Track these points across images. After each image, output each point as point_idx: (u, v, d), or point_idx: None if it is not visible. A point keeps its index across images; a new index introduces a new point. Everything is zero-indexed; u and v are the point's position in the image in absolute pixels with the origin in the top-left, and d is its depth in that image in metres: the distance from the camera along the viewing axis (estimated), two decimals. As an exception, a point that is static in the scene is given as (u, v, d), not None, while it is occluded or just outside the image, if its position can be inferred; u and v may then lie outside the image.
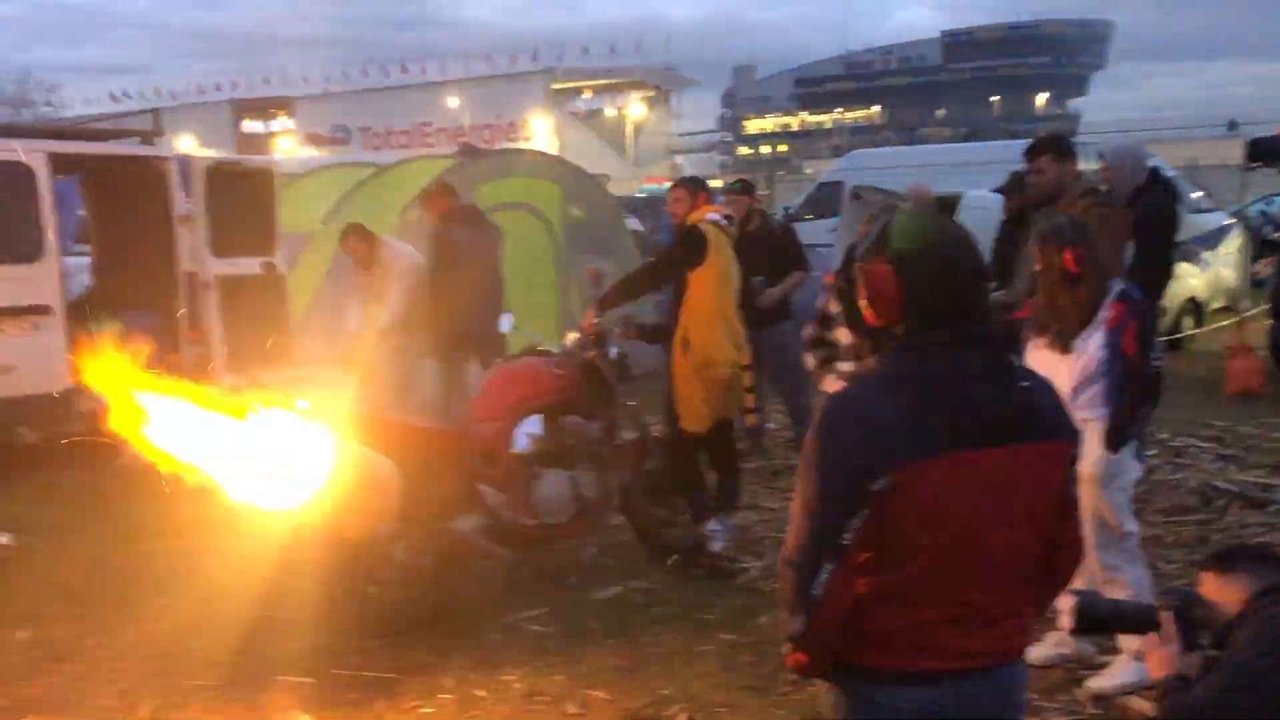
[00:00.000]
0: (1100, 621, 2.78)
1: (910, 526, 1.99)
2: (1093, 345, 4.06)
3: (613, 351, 5.71)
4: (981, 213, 12.43)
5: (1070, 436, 2.15)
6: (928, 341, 2.03)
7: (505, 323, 6.02)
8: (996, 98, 78.62)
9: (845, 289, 2.26)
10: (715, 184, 6.91)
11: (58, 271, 7.76)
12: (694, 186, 5.73)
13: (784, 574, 2.07)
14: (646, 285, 5.88)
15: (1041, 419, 2.08)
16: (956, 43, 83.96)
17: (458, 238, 7.60)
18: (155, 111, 9.24)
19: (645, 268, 5.95)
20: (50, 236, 7.69)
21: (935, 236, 2.09)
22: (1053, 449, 2.10)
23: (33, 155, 7.66)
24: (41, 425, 7.63)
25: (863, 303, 2.11)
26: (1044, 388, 2.16)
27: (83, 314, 8.40)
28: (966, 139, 22.69)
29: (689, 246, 5.47)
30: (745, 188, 7.44)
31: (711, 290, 5.48)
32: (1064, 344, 4.10)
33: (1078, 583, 3.58)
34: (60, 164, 8.02)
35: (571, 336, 5.72)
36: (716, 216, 5.53)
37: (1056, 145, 5.44)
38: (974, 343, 2.04)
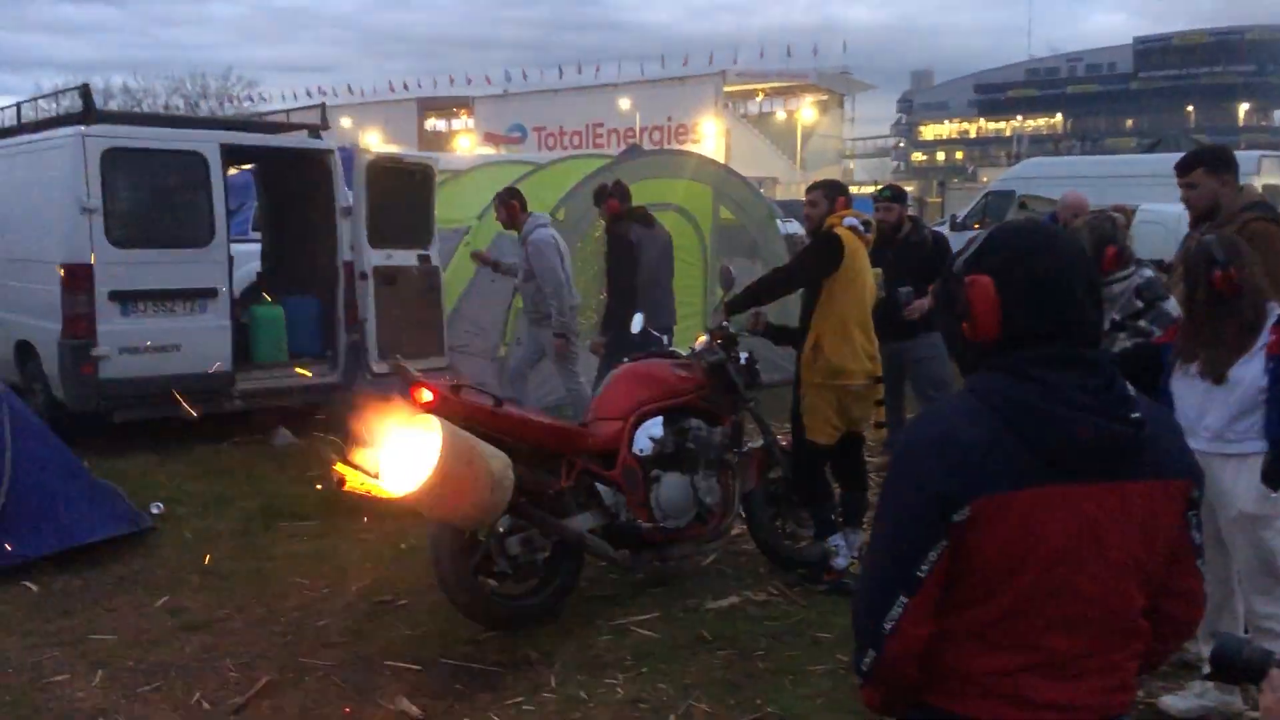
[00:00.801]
0: (1242, 668, 2.48)
1: (993, 563, 1.82)
2: (1251, 374, 3.73)
3: (742, 356, 5.60)
4: (1157, 227, 11.76)
5: (1190, 476, 1.92)
6: (1026, 360, 1.85)
7: (636, 323, 5.96)
8: (1191, 108, 74.43)
9: (944, 302, 2.04)
10: (869, 190, 6.67)
11: (226, 256, 8.15)
12: (831, 190, 5.55)
13: (856, 604, 1.94)
14: (779, 290, 5.73)
15: (1155, 455, 1.86)
16: (1150, 49, 79.71)
17: (635, 237, 7.65)
18: (323, 106, 9.62)
19: (778, 272, 5.80)
20: (220, 223, 8.10)
21: (1042, 248, 1.90)
22: (1166, 489, 1.88)
23: (207, 146, 8.08)
24: (203, 402, 8.02)
25: (962, 319, 1.93)
26: (1161, 420, 1.93)
27: (249, 299, 8.85)
28: (1150, 150, 21.40)
29: (824, 252, 5.30)
30: (897, 195, 7.19)
31: (845, 298, 5.30)
32: (1216, 373, 3.78)
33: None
34: (232, 155, 8.43)
35: (700, 339, 5.63)
36: (854, 222, 5.34)
37: (1211, 158, 5.02)
38: (1079, 365, 1.84)
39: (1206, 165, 4.99)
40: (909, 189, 6.49)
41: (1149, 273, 4.74)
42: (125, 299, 7.74)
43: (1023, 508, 1.79)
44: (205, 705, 4.16)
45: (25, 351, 8.22)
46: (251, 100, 53.53)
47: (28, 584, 5.30)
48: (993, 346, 1.90)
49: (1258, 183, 14.03)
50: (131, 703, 4.17)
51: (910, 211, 7.38)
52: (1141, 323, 4.58)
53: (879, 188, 7.19)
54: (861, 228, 5.36)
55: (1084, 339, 1.88)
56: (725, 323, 5.50)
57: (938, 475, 1.81)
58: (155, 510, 6.29)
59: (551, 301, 7.66)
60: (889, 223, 6.98)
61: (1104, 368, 1.88)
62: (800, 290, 5.52)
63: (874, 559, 1.92)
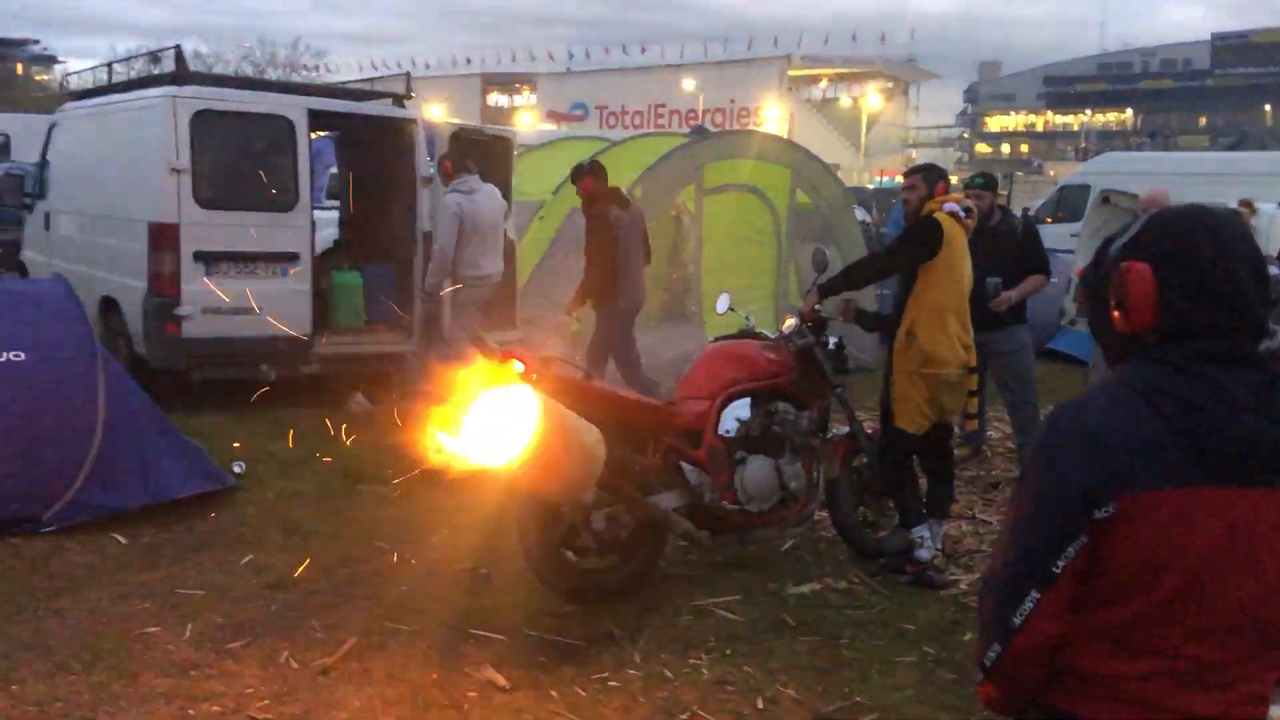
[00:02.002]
0: None
1: (1133, 563, 1.73)
2: None
3: (831, 340, 5.52)
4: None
5: None
6: (1184, 354, 1.74)
7: (722, 303, 5.89)
8: (1269, 107, 72.53)
9: (1094, 288, 1.92)
10: (953, 179, 6.59)
11: (309, 222, 8.21)
12: (932, 175, 5.44)
13: (985, 596, 1.86)
14: (874, 274, 5.65)
15: None
16: (1228, 45, 77.70)
17: (615, 217, 7.71)
18: (408, 75, 9.64)
19: (874, 256, 5.72)
20: (305, 188, 8.15)
21: (1206, 234, 1.78)
22: None
23: (294, 110, 8.12)
24: (282, 365, 8.10)
25: (1113, 305, 1.83)
26: None
27: (327, 264, 8.90)
28: (1232, 149, 20.88)
29: (922, 237, 5.20)
30: (989, 183, 7.05)
31: (942, 285, 5.20)
32: None
33: None
34: (318, 121, 8.48)
35: (790, 322, 5.56)
36: (955, 208, 5.23)
37: None
38: (1243, 363, 1.74)
39: None
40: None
41: (1275, 270, 4.57)
42: (209, 260, 7.83)
43: (1172, 508, 1.70)
44: (294, 664, 4.19)
45: (109, 307, 8.35)
46: (318, 70, 54.05)
47: (116, 535, 5.38)
48: (1146, 337, 1.80)
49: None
50: (222, 659, 4.21)
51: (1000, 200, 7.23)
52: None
53: (972, 176, 7.05)
54: (962, 213, 5.25)
55: (1248, 333, 1.76)
56: (818, 306, 5.41)
57: (1083, 467, 1.72)
58: (237, 469, 6.35)
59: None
60: (979, 211, 6.84)
61: (1267, 366, 1.76)
62: (896, 276, 5.43)
63: (1007, 550, 1.82)
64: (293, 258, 8.19)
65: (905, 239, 5.40)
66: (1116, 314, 1.83)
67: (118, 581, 4.89)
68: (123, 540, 5.35)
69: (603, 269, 7.72)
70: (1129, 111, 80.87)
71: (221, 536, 5.52)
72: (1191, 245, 1.77)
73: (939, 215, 5.20)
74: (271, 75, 46.90)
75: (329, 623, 4.56)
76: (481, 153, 9.02)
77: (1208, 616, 1.74)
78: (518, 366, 4.50)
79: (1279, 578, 1.75)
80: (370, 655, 4.28)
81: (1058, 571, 1.74)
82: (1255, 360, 1.75)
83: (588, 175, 7.91)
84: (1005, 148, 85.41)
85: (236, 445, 6.70)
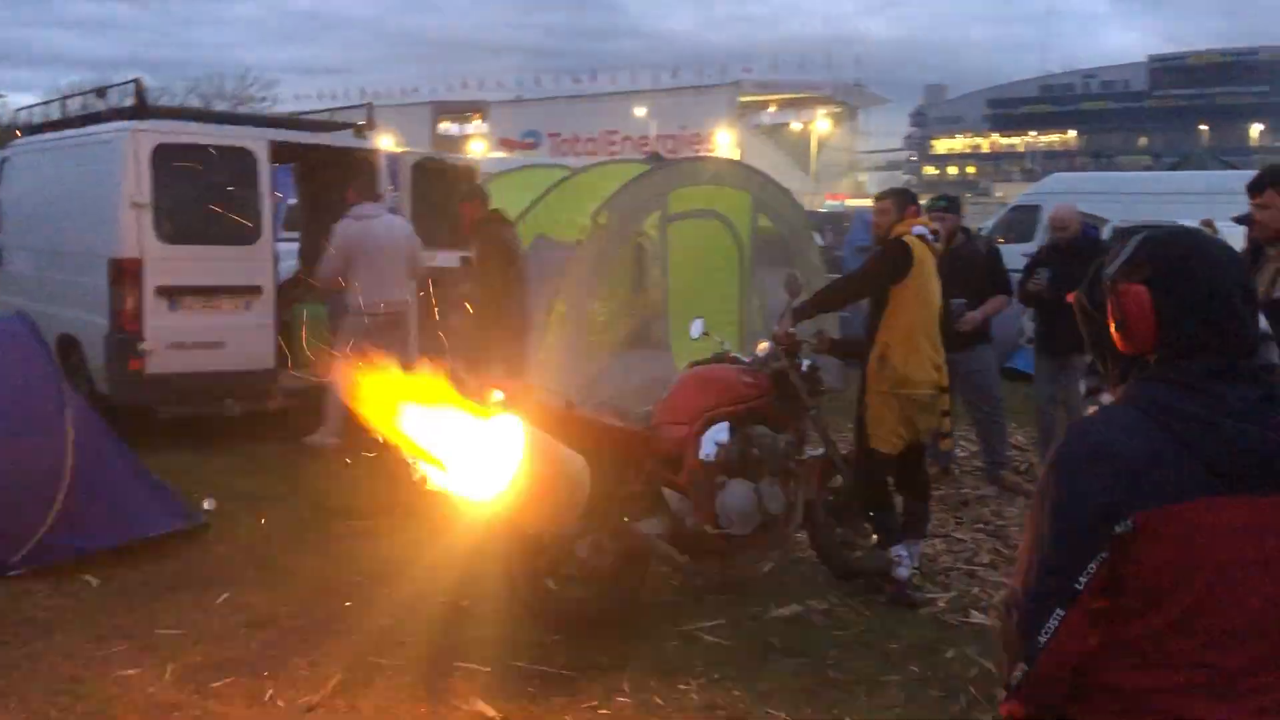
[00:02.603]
0: None
1: (1154, 576, 1.78)
2: None
3: (804, 363, 5.58)
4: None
5: None
6: (1187, 371, 1.82)
7: (696, 328, 5.93)
8: (1205, 127, 74.38)
9: (1090, 312, 1.98)
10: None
11: (272, 254, 8.15)
12: (902, 198, 5.53)
13: (1008, 616, 1.89)
14: (846, 297, 5.71)
15: None
16: (1165, 68, 79.72)
17: (508, 237, 7.84)
18: (369, 106, 9.63)
19: (847, 279, 5.79)
20: (267, 221, 8.10)
21: (1198, 256, 1.86)
22: None
23: (255, 142, 8.08)
24: (247, 399, 8.02)
25: (1112, 327, 1.90)
26: None
27: (288, 297, 8.83)
28: (1174, 168, 21.38)
29: (893, 260, 5.28)
30: (952, 205, 7.18)
31: (913, 307, 5.28)
32: None
33: None
34: (279, 152, 8.44)
35: (763, 346, 5.60)
36: (923, 230, 5.32)
37: (1278, 178, 4.99)
38: (1241, 377, 1.81)
39: (1276, 186, 4.96)
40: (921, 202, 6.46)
41: None
42: (173, 294, 7.75)
43: (1188, 520, 1.75)
44: (279, 702, 4.14)
45: (67, 345, 8.21)
46: (266, 100, 53.72)
47: (88, 578, 5.28)
48: (1147, 356, 1.87)
49: None
50: (205, 698, 4.15)
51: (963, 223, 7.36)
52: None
53: (934, 198, 7.17)
54: (930, 237, 5.34)
55: (1242, 349, 1.83)
56: (792, 329, 5.46)
57: (1098, 487, 1.78)
58: (208, 506, 6.26)
59: None
60: (943, 233, 6.95)
61: (1263, 379, 1.83)
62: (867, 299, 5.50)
63: (1028, 570, 1.86)
64: (256, 290, 8.12)
65: (876, 261, 5.47)
66: (1116, 335, 1.89)
67: (92, 624, 4.80)
68: (94, 582, 5.25)
69: (504, 284, 7.72)
70: (1072, 132, 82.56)
71: (196, 575, 5.44)
72: (1185, 267, 1.84)
73: (908, 238, 5.28)
74: (219, 107, 46.61)
75: (312, 659, 4.51)
76: (445, 182, 9.04)
77: (1227, 624, 1.79)
78: (498, 396, 4.51)
79: None
80: (357, 691, 4.23)
81: (1080, 588, 1.78)
82: (1253, 375, 1.82)
83: (466, 202, 7.98)
84: (952, 170, 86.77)
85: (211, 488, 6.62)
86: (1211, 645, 1.79)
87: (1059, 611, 1.79)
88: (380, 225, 8.05)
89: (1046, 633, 1.80)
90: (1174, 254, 1.87)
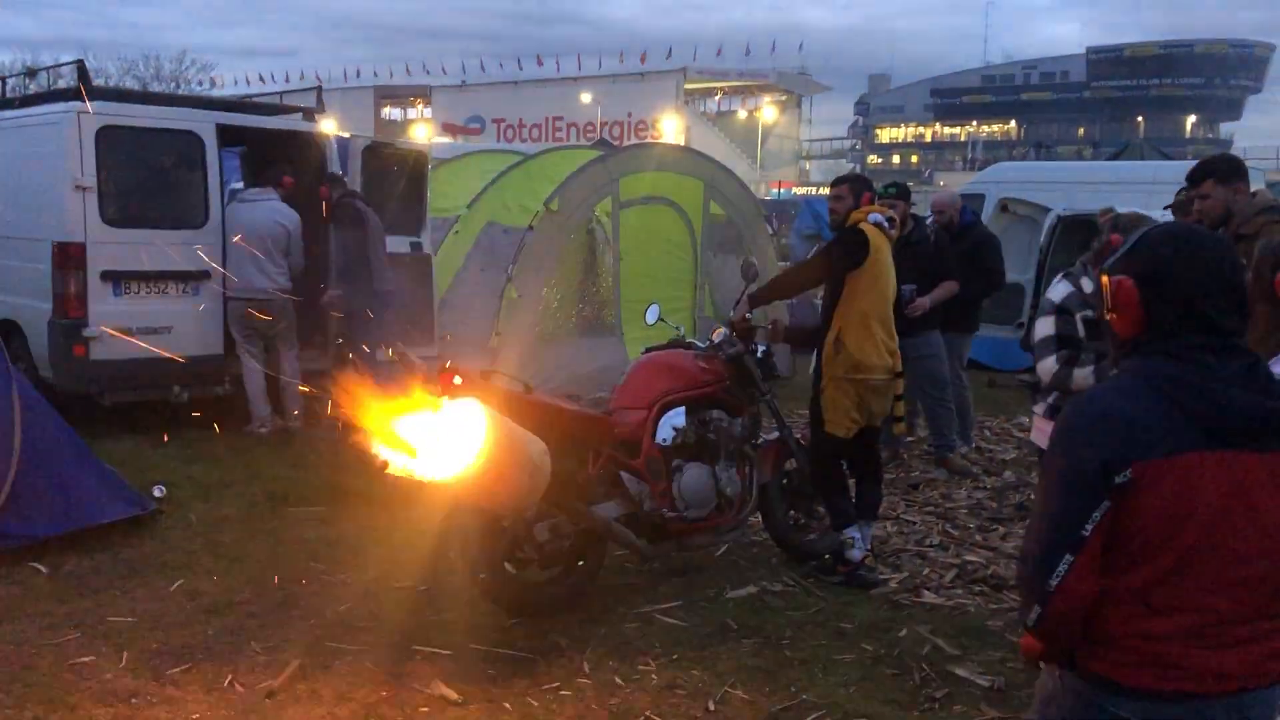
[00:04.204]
0: None
1: (1152, 524, 1.99)
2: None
3: (759, 348, 5.64)
4: (1136, 232, 12.01)
5: None
6: (1179, 345, 2.04)
7: (652, 314, 5.97)
8: (1141, 118, 75.91)
9: (1099, 300, 2.31)
10: (825, 191, 6.86)
11: (219, 239, 8.03)
12: (857, 185, 5.61)
13: (1022, 565, 2.11)
14: (802, 284, 5.79)
15: None
16: (1102, 60, 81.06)
17: (362, 209, 7.98)
18: (319, 89, 9.52)
19: (801, 266, 5.86)
20: (214, 205, 7.99)
21: (1183, 252, 2.09)
22: None
23: (203, 125, 7.96)
24: (195, 385, 7.92)
25: (1110, 314, 2.14)
26: None
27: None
28: (1115, 158, 21.77)
29: (849, 247, 5.35)
30: (902, 191, 7.27)
31: (868, 293, 5.36)
32: None
33: None
34: (227, 135, 8.31)
35: (719, 331, 5.65)
36: (879, 218, 5.40)
37: (1222, 168, 5.13)
38: (1226, 351, 2.04)
39: (1217, 176, 5.08)
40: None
41: None
42: (117, 279, 7.62)
43: (1180, 472, 1.97)
44: (239, 687, 4.11)
45: (9, 330, 8.03)
46: (201, 85, 52.80)
47: (36, 566, 5.19)
48: (1142, 338, 2.10)
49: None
50: (163, 685, 4.11)
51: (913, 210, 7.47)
52: None
53: (885, 185, 7.26)
54: (886, 224, 5.42)
55: (1224, 331, 2.05)
56: (748, 315, 5.52)
57: (1099, 442, 1.99)
58: (158, 493, 6.18)
59: None
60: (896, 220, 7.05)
61: (1249, 354, 2.06)
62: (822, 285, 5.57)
63: (1040, 524, 2.07)
64: (204, 275, 8.01)
65: (833, 248, 5.54)
66: (1111, 319, 2.15)
67: (43, 612, 4.72)
68: (44, 570, 5.17)
69: (357, 256, 7.85)
70: (1013, 123, 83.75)
71: (148, 562, 5.37)
72: (1169, 262, 2.09)
73: (864, 226, 5.35)
74: (156, 89, 45.69)
75: (270, 645, 4.48)
76: (396, 168, 8.98)
77: (1222, 568, 1.99)
78: (458, 380, 4.51)
79: (1273, 532, 2.02)
80: (316, 676, 4.22)
81: (1086, 535, 1.99)
82: (1239, 348, 2.06)
83: (324, 184, 8.18)
84: (896, 158, 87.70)
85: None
86: (1208, 589, 1.99)
87: (1068, 557, 2.00)
88: (258, 210, 8.00)
89: (1058, 577, 2.01)
90: (1161, 253, 2.10)
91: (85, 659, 4.29)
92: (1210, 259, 2.08)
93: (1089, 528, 1.99)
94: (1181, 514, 1.97)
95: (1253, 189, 5.34)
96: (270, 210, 8.03)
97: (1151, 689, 2.02)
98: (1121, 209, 11.88)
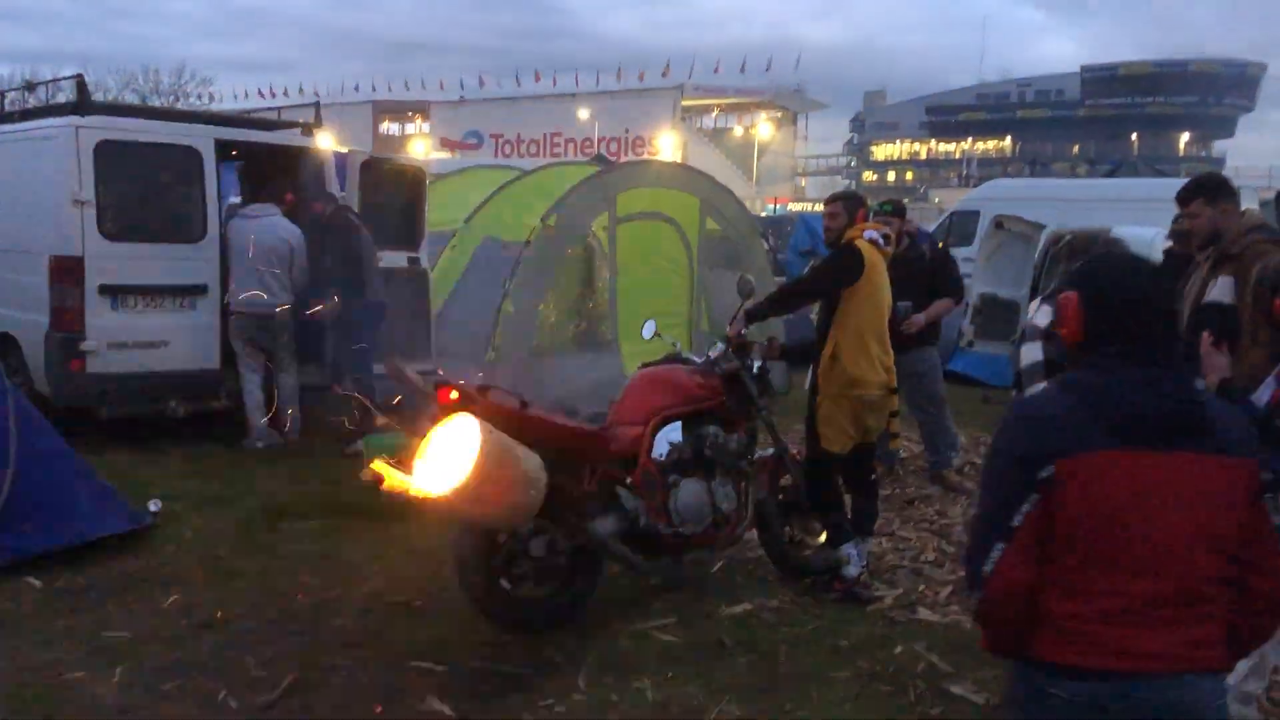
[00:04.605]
0: None
1: (1072, 515, 2.20)
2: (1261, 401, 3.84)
3: (755, 364, 5.65)
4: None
5: (1249, 456, 2.26)
6: (1102, 355, 2.29)
7: (648, 329, 5.98)
8: (1135, 136, 76.21)
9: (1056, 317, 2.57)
10: (821, 208, 6.83)
11: (216, 253, 8.05)
12: (852, 202, 5.63)
13: (963, 554, 2.34)
14: (799, 300, 5.80)
15: (1217, 437, 2.23)
16: (1097, 78, 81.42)
17: (354, 221, 8.08)
18: (317, 104, 9.54)
19: (798, 282, 5.89)
20: (212, 219, 8.01)
21: (1121, 274, 2.36)
22: (1226, 466, 2.23)
23: (201, 140, 7.98)
24: (192, 400, 7.92)
25: (1060, 327, 2.41)
26: (1228, 411, 2.34)
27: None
28: (1108, 176, 21.87)
29: (844, 264, 5.37)
30: (898, 209, 7.30)
31: (863, 310, 5.38)
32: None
33: None
34: (225, 150, 8.33)
35: (715, 347, 5.66)
36: (875, 235, 5.42)
37: (1209, 188, 5.15)
38: (1149, 362, 2.25)
39: (1204, 195, 5.10)
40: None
41: None
42: (115, 293, 7.63)
43: (1095, 468, 2.19)
44: (232, 704, 4.10)
45: (6, 344, 8.04)
46: (200, 99, 52.89)
47: (31, 580, 5.18)
48: (1084, 347, 2.34)
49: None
50: (156, 701, 4.11)
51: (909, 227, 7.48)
52: None
53: (881, 203, 7.29)
54: (881, 241, 5.44)
55: (1154, 345, 2.28)
56: (744, 331, 5.54)
57: (1025, 441, 2.25)
58: (153, 508, 6.17)
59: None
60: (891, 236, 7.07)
61: (1173, 365, 2.28)
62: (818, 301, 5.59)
63: (976, 517, 2.36)
64: (201, 289, 8.02)
65: (828, 265, 5.56)
66: (1059, 329, 2.41)
67: (37, 628, 4.71)
68: (38, 584, 5.16)
69: (349, 269, 7.91)
70: (1008, 139, 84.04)
71: (143, 577, 5.36)
72: (1108, 282, 2.35)
73: (859, 243, 5.38)
74: (155, 103, 45.78)
75: (264, 660, 4.47)
76: (393, 183, 9.01)
77: (1134, 555, 2.20)
78: (454, 395, 4.52)
79: (1186, 526, 2.21)
80: (311, 692, 4.21)
81: (1016, 525, 2.22)
82: (1155, 360, 2.27)
83: (316, 201, 8.24)
84: (891, 175, 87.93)
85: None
86: (1124, 573, 2.20)
87: (1000, 546, 2.23)
88: (259, 226, 8.04)
89: (990, 563, 2.24)
90: (1101, 274, 2.39)
91: (79, 674, 4.28)
92: (1143, 283, 2.34)
93: (1018, 519, 2.20)
94: (1095, 506, 2.19)
95: (1244, 208, 5.38)
96: (274, 225, 8.08)
97: (1080, 666, 2.19)
98: (1119, 227, 11.98)
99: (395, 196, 8.96)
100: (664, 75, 63.82)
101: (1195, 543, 2.19)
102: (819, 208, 28.06)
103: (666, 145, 56.16)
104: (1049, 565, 2.22)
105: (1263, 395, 3.81)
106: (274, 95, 64.60)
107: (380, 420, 6.66)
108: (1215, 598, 2.23)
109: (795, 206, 53.56)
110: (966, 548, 2.32)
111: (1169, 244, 6.55)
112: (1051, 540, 2.21)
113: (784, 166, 72.32)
